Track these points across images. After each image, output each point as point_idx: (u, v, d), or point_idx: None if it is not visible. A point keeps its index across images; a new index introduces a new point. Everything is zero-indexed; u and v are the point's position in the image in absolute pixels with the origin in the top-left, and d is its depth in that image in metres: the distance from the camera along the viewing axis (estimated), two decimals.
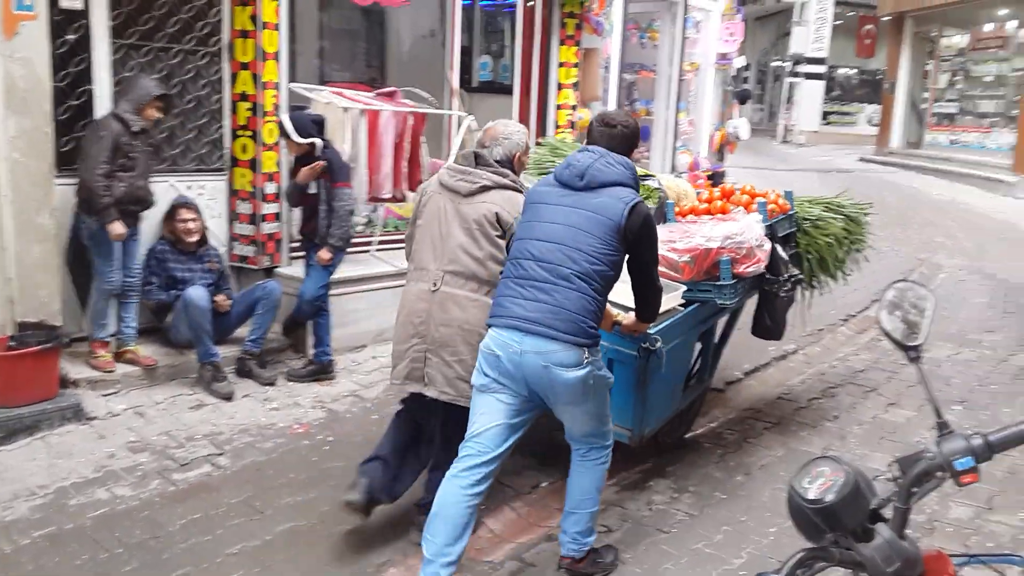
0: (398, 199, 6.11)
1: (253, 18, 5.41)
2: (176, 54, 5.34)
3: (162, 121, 5.09)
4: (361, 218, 6.27)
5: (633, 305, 3.47)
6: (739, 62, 10.37)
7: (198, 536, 3.54)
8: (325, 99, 5.67)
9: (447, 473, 3.18)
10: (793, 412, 5.23)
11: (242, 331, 5.25)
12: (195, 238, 5.16)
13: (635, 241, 3.15)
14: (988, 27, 16.43)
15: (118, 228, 4.64)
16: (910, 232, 8.46)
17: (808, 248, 4.83)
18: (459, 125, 6.31)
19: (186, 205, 5.21)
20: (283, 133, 5.07)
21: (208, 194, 5.55)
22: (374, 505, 3.57)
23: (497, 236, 3.42)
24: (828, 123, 23.31)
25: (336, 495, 3.91)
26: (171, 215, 5.16)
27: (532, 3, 7.46)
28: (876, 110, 21.64)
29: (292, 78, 5.95)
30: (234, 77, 5.53)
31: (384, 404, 4.96)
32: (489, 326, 3.17)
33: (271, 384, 5.09)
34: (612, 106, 8.57)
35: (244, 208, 5.61)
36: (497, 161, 3.53)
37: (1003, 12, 15.86)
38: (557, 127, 7.60)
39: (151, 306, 5.16)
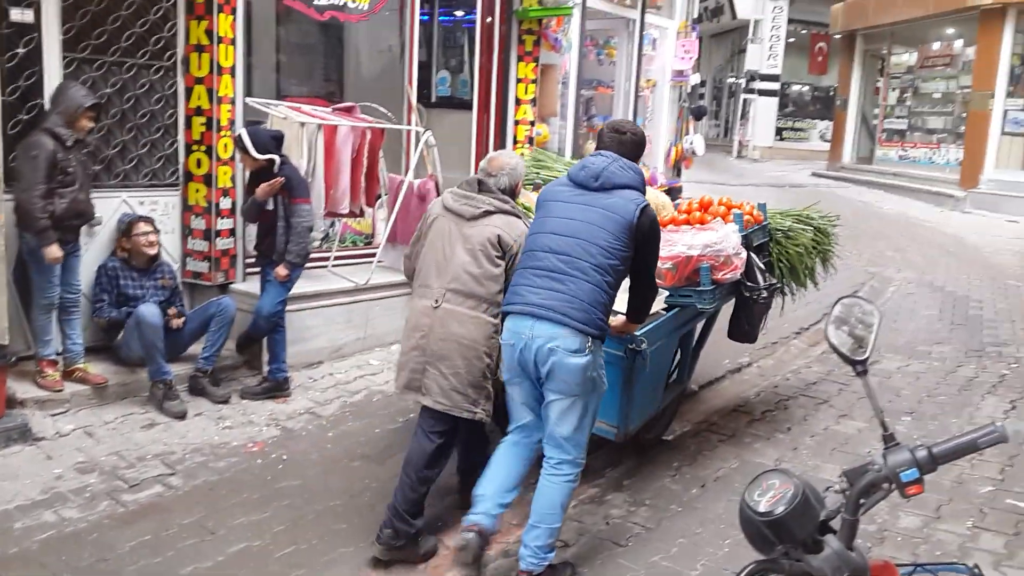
0: (356, 214, 6.10)
1: (209, 32, 5.37)
2: (130, 68, 5.27)
3: (97, 131, 5.02)
4: (318, 233, 6.24)
5: (619, 309, 3.66)
6: (695, 79, 10.52)
7: (149, 558, 3.48)
8: (282, 114, 5.64)
9: (505, 440, 3.54)
10: (747, 424, 5.29)
11: (195, 348, 5.19)
12: (154, 251, 5.10)
13: (643, 240, 3.42)
14: (936, 45, 16.86)
15: (54, 252, 4.54)
16: (861, 246, 8.63)
17: (780, 257, 5.06)
18: (418, 140, 6.32)
19: (142, 219, 5.15)
20: (241, 148, 5.03)
21: (161, 209, 5.48)
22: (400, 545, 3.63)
23: (497, 257, 3.63)
24: (782, 139, 23.72)
25: (290, 514, 3.88)
26: (127, 231, 5.08)
27: (490, 19, 7.51)
28: (828, 126, 22.07)
29: (248, 92, 5.92)
30: (189, 91, 5.48)
31: (340, 421, 4.93)
32: (505, 313, 3.44)
33: (225, 402, 5.02)
34: (570, 122, 8.65)
35: (198, 223, 5.55)
36: (501, 189, 3.74)
37: (950, 31, 16.29)
38: (516, 142, 7.64)
39: (102, 324, 5.07)
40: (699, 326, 4.95)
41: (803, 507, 1.89)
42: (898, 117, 17.84)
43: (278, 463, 4.41)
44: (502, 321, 3.49)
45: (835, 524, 1.96)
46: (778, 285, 4.97)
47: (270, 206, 5.07)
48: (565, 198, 3.50)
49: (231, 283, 5.65)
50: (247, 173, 5.22)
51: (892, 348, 6.76)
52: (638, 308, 3.68)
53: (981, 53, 14.53)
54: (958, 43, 16.05)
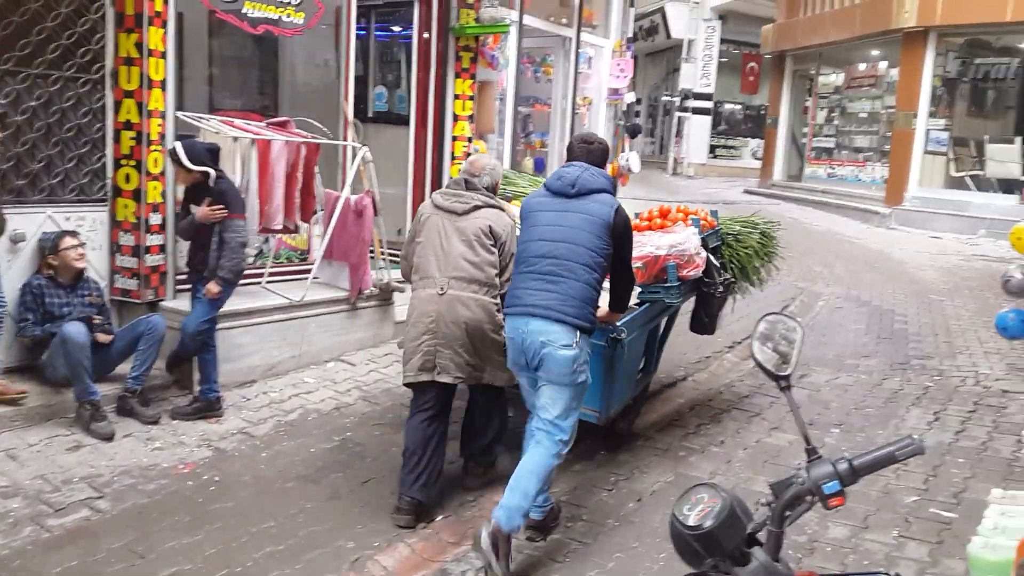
0: (290, 230, 6.04)
1: (138, 45, 5.28)
2: (56, 81, 5.15)
3: (21, 144, 4.88)
4: (252, 249, 6.15)
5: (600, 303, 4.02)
6: (629, 97, 10.69)
7: None
8: (214, 128, 5.56)
9: (532, 440, 3.80)
10: (682, 438, 5.36)
11: (124, 368, 5.04)
12: (82, 265, 4.97)
13: (620, 237, 3.86)
14: (862, 67, 17.41)
15: None
16: (791, 262, 8.84)
17: (731, 259, 5.50)
18: (354, 156, 6.29)
19: (68, 233, 5.02)
20: (175, 161, 4.93)
21: (88, 225, 5.35)
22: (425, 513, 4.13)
23: (491, 245, 4.13)
24: (715, 156, 24.19)
25: (223, 536, 3.81)
26: (54, 247, 4.94)
27: (427, 35, 7.53)
28: (760, 144, 22.57)
29: (180, 106, 5.82)
30: (118, 105, 5.37)
31: (274, 441, 4.85)
32: (505, 315, 3.87)
33: (154, 423, 4.89)
34: (508, 138, 8.71)
35: (127, 240, 5.42)
36: (485, 187, 4.28)
37: (875, 53, 16.84)
38: (454, 158, 7.66)
39: (26, 342, 4.92)
40: (663, 322, 5.39)
41: (731, 520, 1.91)
42: (826, 136, 18.35)
43: (210, 485, 4.32)
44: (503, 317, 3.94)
45: (763, 536, 1.99)
46: (733, 281, 5.41)
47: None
48: (547, 207, 3.89)
49: (161, 300, 5.53)
50: (180, 188, 5.13)
51: (821, 362, 6.93)
52: (620, 296, 4.11)
53: (904, 74, 15.06)
54: (883, 64, 16.61)
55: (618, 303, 4.14)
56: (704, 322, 5.39)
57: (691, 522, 1.93)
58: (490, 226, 4.12)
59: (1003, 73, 15.38)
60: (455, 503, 4.30)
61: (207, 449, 4.70)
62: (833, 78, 18.49)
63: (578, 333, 3.68)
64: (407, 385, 4.24)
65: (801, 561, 3.82)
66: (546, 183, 4.00)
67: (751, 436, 5.39)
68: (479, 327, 4.04)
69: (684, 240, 4.84)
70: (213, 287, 4.97)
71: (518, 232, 4.07)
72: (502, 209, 4.27)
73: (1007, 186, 14.03)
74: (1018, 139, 13.90)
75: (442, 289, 4.04)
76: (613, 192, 3.93)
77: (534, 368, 3.74)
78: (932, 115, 14.88)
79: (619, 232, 3.83)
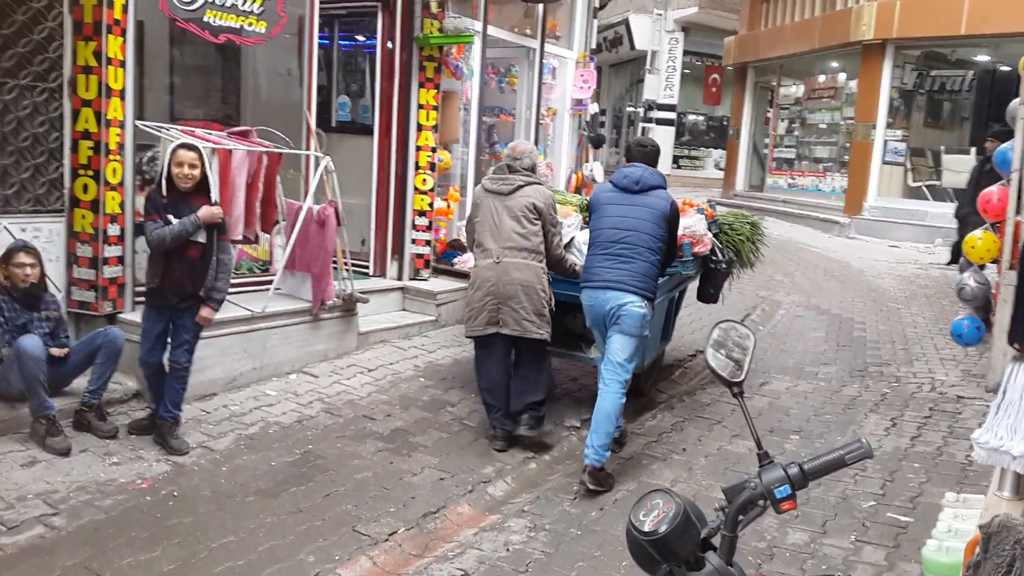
0: (251, 240, 5.99)
1: (97, 54, 5.21)
2: (11, 89, 5.07)
3: None
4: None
5: None
6: (593, 108, 10.75)
7: None
8: (174, 137, 5.50)
9: (602, 385, 4.79)
10: (644, 446, 5.40)
11: (81, 382, 4.95)
12: (27, 284, 4.81)
13: (671, 224, 4.98)
14: (821, 78, 17.69)
15: None
16: (753, 270, 8.94)
17: (727, 243, 6.31)
18: (317, 166, 6.26)
19: (24, 248, 4.86)
20: (197, 164, 4.70)
21: (45, 236, 5.26)
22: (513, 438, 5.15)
23: (535, 218, 5.10)
24: (679, 167, 24.41)
25: (181, 552, 3.76)
26: (5, 259, 4.82)
27: (391, 45, 7.52)
28: (722, 155, 22.82)
29: (140, 115, 5.76)
30: (76, 114, 5.29)
31: (234, 455, 4.79)
32: (584, 285, 4.88)
33: (112, 437, 4.80)
34: (472, 148, 8.71)
35: (84, 251, 5.35)
36: (525, 168, 5.27)
37: (834, 65, 17.13)
38: (418, 168, 7.65)
39: None
40: (677, 295, 6.34)
41: (685, 525, 1.93)
42: (787, 146, 18.61)
43: (168, 500, 4.26)
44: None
45: (717, 541, 2.02)
46: (733, 259, 6.30)
47: (201, 238, 4.69)
48: (616, 201, 4.92)
49: (119, 313, 5.45)
50: (139, 199, 5.06)
51: (781, 369, 7.02)
52: (664, 265, 5.03)
53: (863, 86, 15.33)
54: (842, 76, 16.89)
55: (661, 270, 5.02)
56: (710, 293, 6.31)
57: (646, 528, 1.94)
58: (533, 203, 5.10)
59: (958, 85, 15.72)
60: (419, 515, 4.29)
61: (165, 464, 4.63)
62: (794, 89, 18.77)
63: (645, 300, 4.73)
64: (474, 338, 5.21)
65: (761, 566, 3.86)
66: (613, 180, 5.03)
67: (712, 444, 5.44)
68: (531, 286, 4.99)
69: (695, 223, 5.78)
70: (209, 313, 4.82)
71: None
72: (542, 184, 5.28)
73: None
74: (973, 149, 14.19)
75: (498, 259, 5.03)
76: (666, 187, 5.03)
77: (612, 324, 4.74)
78: (890, 126, 15.17)
79: (671, 220, 4.95)
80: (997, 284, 6.00)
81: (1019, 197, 5.64)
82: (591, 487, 4.62)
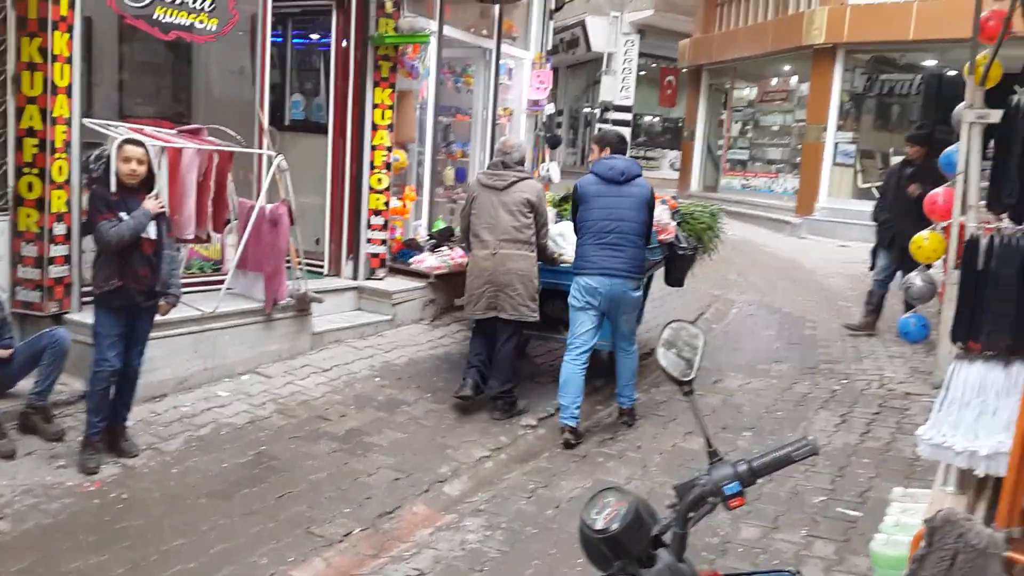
0: (202, 240, 5.90)
1: (42, 50, 5.10)
2: None
3: None
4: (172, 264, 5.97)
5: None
6: (549, 109, 10.78)
7: None
8: (122, 135, 5.39)
9: (565, 358, 5.42)
10: (600, 444, 5.44)
11: (26, 383, 4.83)
12: None
13: (651, 209, 5.45)
14: (774, 81, 17.96)
15: None
16: (707, 270, 9.02)
17: (689, 232, 6.75)
18: (269, 164, 6.19)
19: None
20: (142, 159, 4.56)
21: None
22: (477, 396, 5.66)
23: (529, 212, 5.62)
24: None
25: (131, 555, 3.69)
26: None
27: (346, 44, 7.47)
28: (677, 156, 23.04)
29: (88, 113, 5.65)
30: (20, 111, 5.17)
31: (185, 456, 4.72)
32: (580, 273, 5.30)
33: (59, 439, 4.70)
34: (428, 147, 8.68)
35: (29, 250, 5.22)
36: (516, 162, 5.78)
37: (787, 68, 17.39)
38: (373, 168, 7.60)
39: None
40: (645, 279, 6.54)
41: (637, 523, 1.94)
42: (740, 148, 18.85)
43: (117, 503, 4.18)
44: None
45: (667, 539, 2.03)
46: (696, 245, 6.72)
47: (152, 234, 4.56)
48: (604, 193, 5.30)
49: (66, 313, 5.33)
50: (85, 197, 4.95)
51: (734, 367, 7.11)
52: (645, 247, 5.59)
53: (814, 89, 15.59)
54: (794, 79, 17.17)
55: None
56: (676, 277, 6.72)
57: (598, 526, 1.95)
58: (527, 198, 5.61)
59: (906, 88, 16.04)
60: (374, 515, 4.26)
61: (114, 466, 4.54)
62: (747, 92, 19.02)
63: (637, 282, 5.38)
64: (475, 320, 5.78)
65: (715, 562, 3.91)
66: (598, 172, 5.37)
67: (667, 441, 5.49)
68: (526, 274, 5.59)
69: (660, 213, 6.17)
70: (168, 307, 4.77)
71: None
72: (532, 178, 5.83)
73: None
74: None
75: (494, 250, 5.58)
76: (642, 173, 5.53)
77: (607, 309, 5.32)
78: (840, 128, 15.44)
79: (651, 205, 5.43)
80: (943, 283, 6.14)
81: (964, 198, 5.78)
82: (629, 423, 5.66)
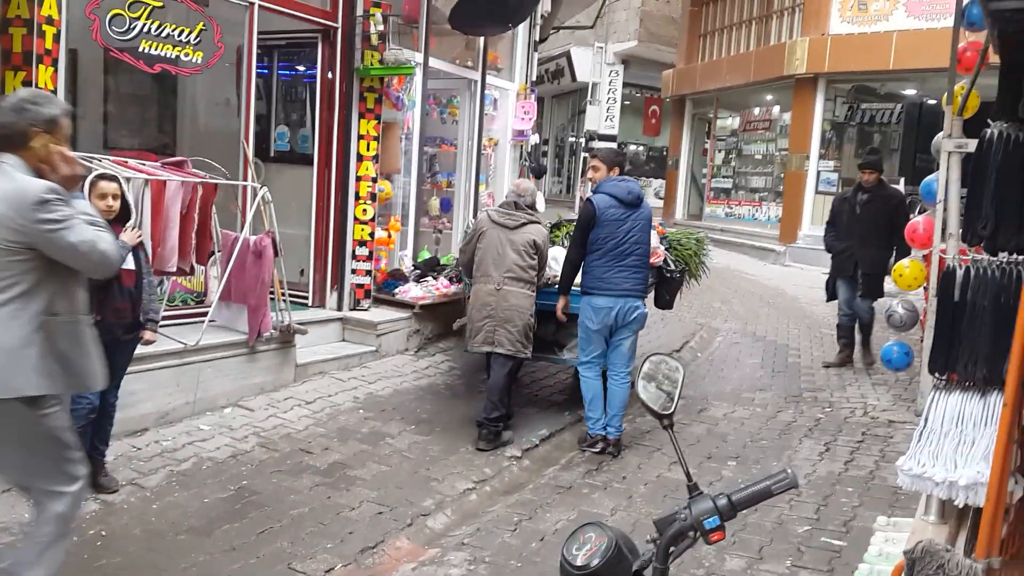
0: (185, 272, 5.88)
1: (27, 84, 5.09)
2: None
3: None
4: (154, 295, 5.95)
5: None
6: (534, 139, 10.85)
7: None
8: (106, 168, 5.39)
9: (586, 375, 5.76)
10: (584, 475, 5.42)
11: None
12: None
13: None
14: (757, 111, 18.17)
15: None
16: (691, 298, 9.10)
17: (677, 256, 6.98)
18: (254, 196, 6.19)
19: None
20: (118, 195, 4.51)
21: None
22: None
23: (534, 253, 5.87)
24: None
25: None
26: None
27: (331, 75, 7.51)
28: (662, 184, 23.17)
29: (72, 145, 5.61)
30: None
31: (166, 492, 4.67)
32: (593, 293, 5.60)
33: None
34: (414, 178, 8.71)
35: None
36: (528, 206, 6.00)
37: (769, 98, 17.61)
38: (358, 198, 7.62)
39: None
40: None
41: (617, 558, 1.94)
42: (724, 176, 19.00)
43: (96, 540, 4.12)
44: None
45: (648, 573, 2.03)
46: (684, 269, 6.96)
47: (130, 265, 4.53)
48: (621, 216, 5.59)
49: None
50: None
51: (719, 396, 7.12)
52: None
53: (796, 118, 15.78)
54: (776, 109, 17.37)
55: None
56: (666, 300, 6.89)
57: (579, 562, 1.95)
58: (534, 240, 5.87)
59: (887, 117, 16.27)
60: (356, 550, 4.22)
61: (93, 502, 4.48)
62: (730, 121, 19.22)
63: (643, 300, 5.75)
64: (474, 352, 6.05)
65: None
66: (615, 194, 5.62)
67: (652, 471, 5.48)
68: (524, 312, 5.79)
69: (650, 238, 6.27)
70: (152, 336, 4.76)
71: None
72: (540, 223, 6.08)
73: None
74: (902, 179, 14.66)
75: (498, 286, 5.77)
76: None
77: (622, 326, 5.61)
78: (823, 157, 15.62)
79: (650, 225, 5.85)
80: (924, 311, 6.18)
81: (944, 227, 5.84)
82: (615, 454, 5.70)
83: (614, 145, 23.11)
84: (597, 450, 5.71)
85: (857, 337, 8.03)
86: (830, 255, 8.05)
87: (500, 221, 5.90)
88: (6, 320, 2.89)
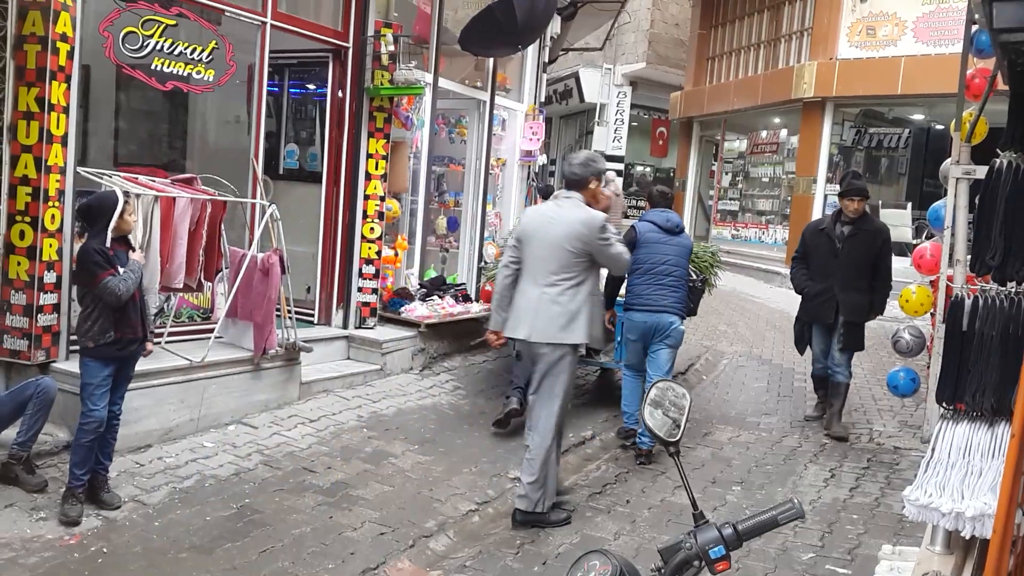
0: (192, 289, 5.90)
1: (40, 100, 5.14)
2: None
3: None
4: (153, 308, 5.98)
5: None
6: (542, 159, 10.88)
7: None
8: (116, 184, 5.42)
9: (628, 377, 6.31)
10: (588, 498, 5.39)
11: (9, 432, 4.76)
12: None
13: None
14: (764, 134, 18.20)
15: None
16: (696, 320, 9.04)
17: (697, 268, 7.20)
18: (263, 213, 6.22)
19: None
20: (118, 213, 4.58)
21: None
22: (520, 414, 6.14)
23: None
24: (627, 216, 24.68)
25: None
26: None
27: (341, 94, 7.56)
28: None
29: (82, 161, 5.68)
30: (15, 160, 5.19)
31: (168, 509, 4.66)
32: (632, 308, 6.03)
33: (40, 491, 4.63)
34: (422, 197, 8.73)
35: (18, 299, 5.21)
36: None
37: (776, 121, 17.63)
38: (366, 217, 7.64)
39: None
40: None
41: None
42: (731, 199, 19.00)
43: (98, 557, 4.11)
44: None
45: None
46: (706, 278, 7.37)
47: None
48: (663, 240, 6.09)
49: (53, 362, 5.31)
50: (77, 245, 4.95)
51: (724, 419, 7.09)
52: None
53: (803, 142, 15.79)
54: (783, 132, 17.38)
55: None
56: (691, 307, 6.83)
57: None
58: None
59: (895, 142, 16.28)
60: (358, 571, 4.20)
61: (96, 519, 4.48)
62: (737, 144, 19.24)
63: (681, 318, 6.06)
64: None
65: None
66: (656, 221, 6.16)
67: (656, 495, 5.45)
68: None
69: (687, 265, 6.67)
70: (152, 346, 4.92)
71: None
72: None
73: (899, 249, 14.74)
74: (909, 204, 14.66)
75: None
76: None
77: (660, 339, 5.94)
78: (830, 181, 15.59)
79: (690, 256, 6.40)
80: (931, 337, 6.16)
81: (951, 253, 5.83)
82: (646, 462, 6.00)
83: (620, 166, 23.27)
84: (629, 443, 6.22)
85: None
86: (800, 296, 6.96)
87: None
88: (572, 294, 4.79)
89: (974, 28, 4.43)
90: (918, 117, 16.04)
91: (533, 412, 4.93)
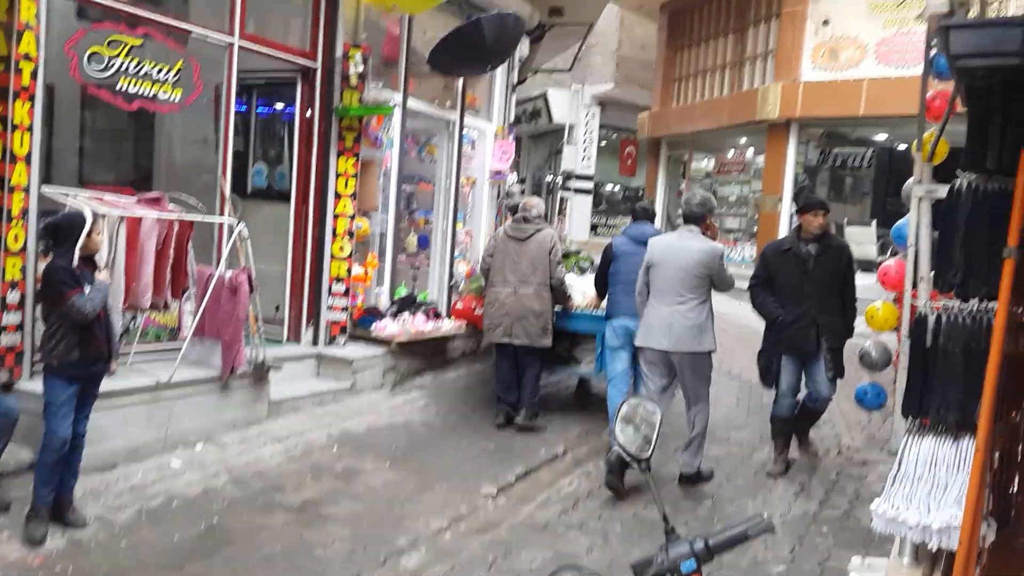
0: (158, 307, 5.84)
1: (3, 119, 5.09)
2: None
3: None
4: (119, 328, 5.90)
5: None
6: (512, 179, 10.92)
7: None
8: (82, 203, 5.36)
9: (613, 391, 6.56)
10: (561, 513, 5.39)
11: None
12: None
13: None
14: (731, 153, 18.45)
15: None
16: None
17: None
18: (230, 232, 6.18)
19: None
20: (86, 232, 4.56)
21: None
22: (511, 423, 6.96)
23: (545, 258, 6.97)
24: (596, 233, 24.83)
25: None
26: None
27: (310, 114, 7.55)
28: None
29: (47, 179, 5.62)
30: None
31: (135, 529, 4.59)
32: (613, 317, 6.52)
33: (4, 511, 4.54)
34: (391, 216, 8.72)
35: None
36: (535, 216, 7.16)
37: (743, 141, 17.89)
38: (335, 235, 7.62)
39: None
40: None
41: None
42: None
43: None
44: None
45: None
46: None
47: None
48: (636, 252, 6.23)
49: (15, 383, 5.21)
50: (41, 264, 4.89)
51: None
52: None
53: (769, 162, 16.03)
54: (750, 152, 17.65)
55: None
56: None
57: None
58: (543, 246, 6.98)
59: (859, 161, 16.59)
60: None
61: (60, 539, 4.40)
62: (705, 163, 19.49)
63: None
64: (494, 343, 7.14)
65: None
66: (632, 235, 6.60)
67: (627, 510, 5.46)
68: (539, 311, 6.90)
69: None
70: (116, 365, 4.86)
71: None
72: (550, 227, 7.33)
73: (865, 266, 14.97)
74: (874, 222, 14.90)
75: (515, 289, 6.92)
76: None
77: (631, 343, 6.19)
78: (795, 199, 15.84)
79: None
80: (897, 351, 6.24)
81: (915, 270, 5.92)
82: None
83: (590, 185, 23.44)
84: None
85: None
86: (767, 324, 6.35)
87: (513, 234, 7.08)
88: (700, 310, 5.75)
89: (933, 51, 4.54)
90: (881, 137, 16.36)
91: (691, 408, 5.96)
